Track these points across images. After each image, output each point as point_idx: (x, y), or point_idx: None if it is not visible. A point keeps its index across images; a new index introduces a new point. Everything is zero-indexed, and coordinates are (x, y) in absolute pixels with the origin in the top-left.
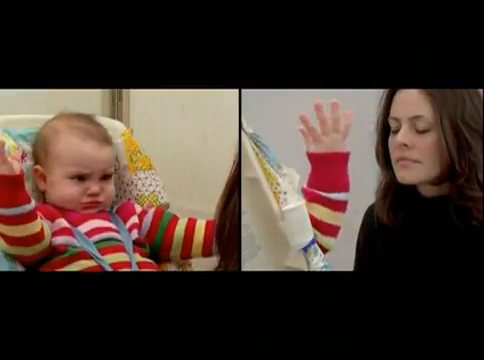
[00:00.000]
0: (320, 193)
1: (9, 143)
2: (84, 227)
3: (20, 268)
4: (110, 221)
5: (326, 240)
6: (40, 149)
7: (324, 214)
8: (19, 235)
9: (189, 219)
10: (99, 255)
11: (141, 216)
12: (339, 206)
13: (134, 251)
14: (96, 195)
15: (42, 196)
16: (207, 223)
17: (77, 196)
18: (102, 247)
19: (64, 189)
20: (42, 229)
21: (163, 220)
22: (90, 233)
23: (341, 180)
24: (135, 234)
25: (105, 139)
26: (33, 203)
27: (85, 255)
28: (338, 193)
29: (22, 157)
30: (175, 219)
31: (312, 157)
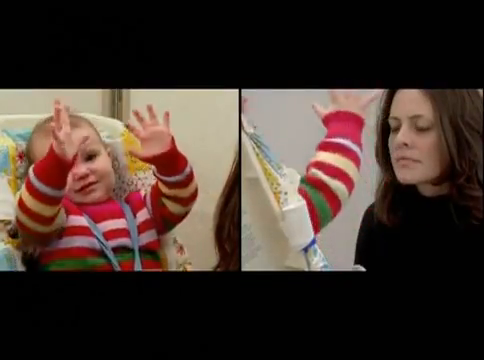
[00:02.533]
0: (330, 139)
1: (8, 143)
2: (101, 227)
3: (20, 268)
4: (123, 216)
5: (335, 184)
6: (29, 161)
7: (333, 158)
8: (40, 212)
9: None
10: (117, 264)
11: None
12: (350, 154)
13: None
14: (84, 177)
15: None
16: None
17: (69, 185)
18: (119, 259)
19: None
20: (56, 215)
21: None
22: (108, 235)
23: (353, 133)
24: (149, 236)
25: (75, 122)
26: (64, 192)
27: (104, 267)
28: (349, 141)
29: (21, 156)
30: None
31: (326, 119)
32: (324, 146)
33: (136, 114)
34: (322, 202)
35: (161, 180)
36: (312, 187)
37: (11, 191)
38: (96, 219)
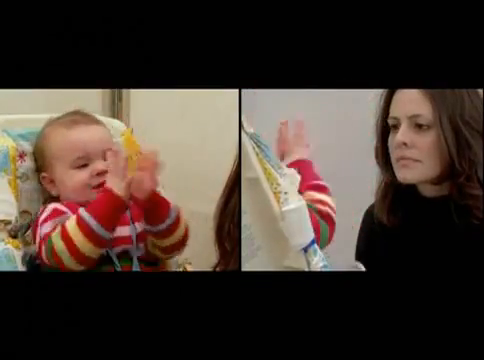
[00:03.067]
0: (317, 182)
1: (9, 143)
2: None
3: (20, 268)
4: (128, 222)
5: (334, 216)
6: (39, 157)
7: (326, 197)
8: (90, 255)
9: None
10: (119, 268)
11: None
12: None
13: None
14: (104, 173)
15: (49, 200)
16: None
17: (86, 180)
18: (121, 265)
19: (72, 179)
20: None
21: None
22: (113, 242)
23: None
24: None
25: (92, 121)
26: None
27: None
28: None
29: (21, 156)
30: None
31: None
32: (317, 188)
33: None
34: (326, 231)
35: (147, 230)
36: (321, 217)
37: (11, 191)
38: None
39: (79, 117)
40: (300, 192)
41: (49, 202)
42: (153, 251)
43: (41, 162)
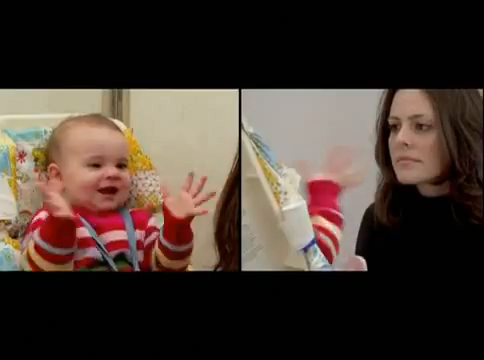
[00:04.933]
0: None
1: (8, 143)
2: (103, 238)
3: (24, 262)
4: (124, 228)
5: (335, 250)
6: (52, 148)
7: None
8: (57, 269)
9: None
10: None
11: (148, 232)
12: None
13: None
14: (114, 179)
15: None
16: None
17: (95, 181)
18: (119, 267)
19: (82, 177)
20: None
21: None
22: (109, 246)
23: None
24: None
25: (115, 127)
26: (75, 247)
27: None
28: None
29: (21, 156)
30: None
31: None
32: (329, 215)
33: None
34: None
35: (166, 249)
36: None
37: (11, 191)
38: (98, 230)
39: (103, 119)
40: (311, 215)
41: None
42: (153, 267)
43: (53, 153)
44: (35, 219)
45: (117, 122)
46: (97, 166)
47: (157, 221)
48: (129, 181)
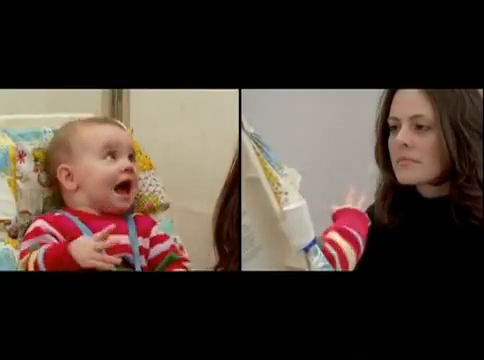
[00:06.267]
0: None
1: (8, 143)
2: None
3: (20, 268)
4: (126, 232)
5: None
6: (59, 149)
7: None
8: None
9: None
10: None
11: (153, 242)
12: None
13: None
14: (130, 171)
15: (49, 200)
16: None
17: (113, 173)
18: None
19: (102, 170)
20: None
21: (163, 261)
22: (111, 250)
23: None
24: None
25: (119, 125)
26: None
27: None
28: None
29: (21, 156)
30: (173, 265)
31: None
32: (343, 232)
33: None
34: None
35: None
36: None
37: (11, 191)
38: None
39: (108, 119)
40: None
41: (45, 211)
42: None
43: (61, 155)
44: (34, 226)
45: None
46: (113, 158)
47: (160, 229)
48: (138, 174)
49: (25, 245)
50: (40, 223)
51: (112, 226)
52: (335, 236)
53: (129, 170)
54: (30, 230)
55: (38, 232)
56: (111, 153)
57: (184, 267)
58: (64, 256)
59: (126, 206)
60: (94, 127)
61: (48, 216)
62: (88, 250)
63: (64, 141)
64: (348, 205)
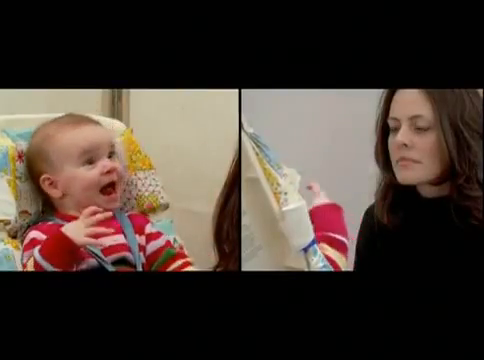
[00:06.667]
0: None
1: (8, 143)
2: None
3: (20, 268)
4: (121, 232)
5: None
6: (38, 159)
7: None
8: None
9: (183, 263)
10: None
11: (148, 239)
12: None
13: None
14: (112, 171)
15: (48, 200)
16: None
17: (96, 178)
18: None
19: (84, 177)
20: None
21: (161, 257)
22: (106, 251)
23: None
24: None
25: (92, 121)
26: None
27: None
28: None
29: (20, 156)
30: (171, 260)
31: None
32: (333, 242)
33: None
34: None
35: None
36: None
37: (11, 191)
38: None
39: (79, 118)
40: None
41: (41, 217)
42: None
43: (41, 164)
44: (30, 237)
45: (117, 122)
46: (91, 162)
47: (153, 226)
48: (122, 168)
49: (25, 258)
50: (35, 234)
51: (109, 213)
52: (328, 249)
53: (111, 171)
54: (26, 242)
55: (35, 243)
56: (89, 159)
57: (187, 262)
58: (62, 240)
59: (115, 206)
60: (69, 131)
61: (41, 225)
62: (80, 226)
63: (43, 151)
64: (320, 201)
